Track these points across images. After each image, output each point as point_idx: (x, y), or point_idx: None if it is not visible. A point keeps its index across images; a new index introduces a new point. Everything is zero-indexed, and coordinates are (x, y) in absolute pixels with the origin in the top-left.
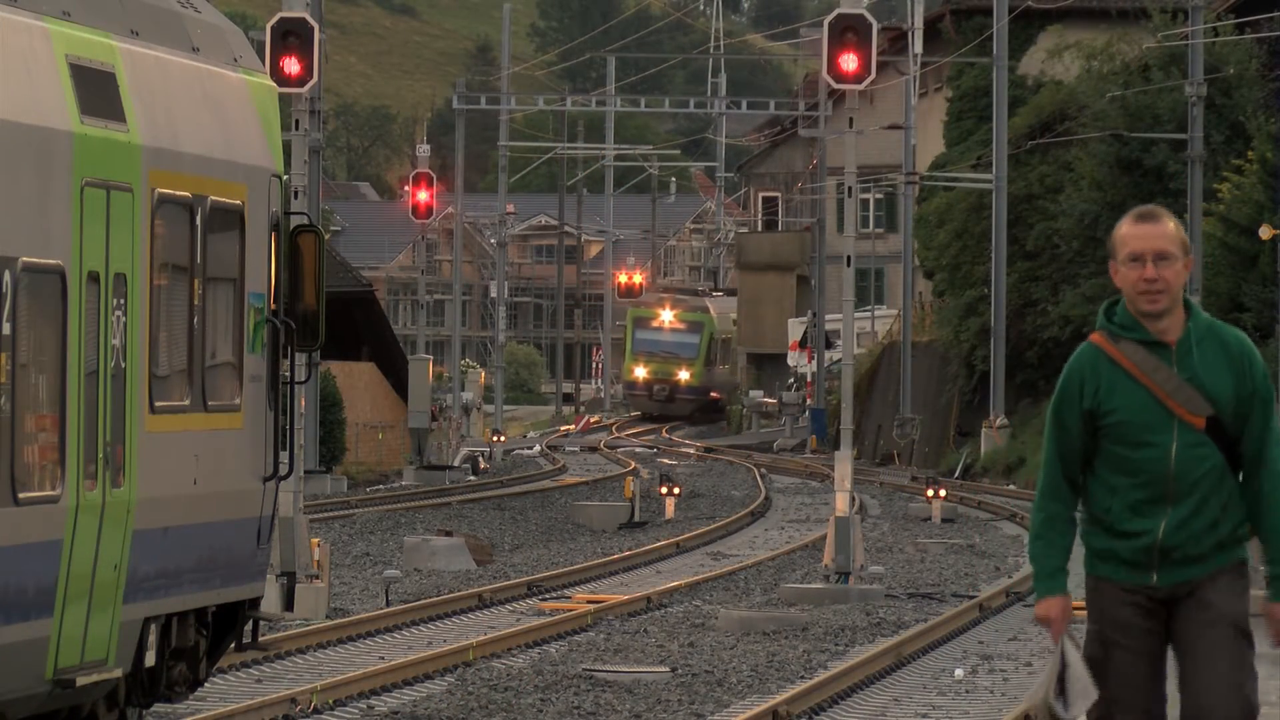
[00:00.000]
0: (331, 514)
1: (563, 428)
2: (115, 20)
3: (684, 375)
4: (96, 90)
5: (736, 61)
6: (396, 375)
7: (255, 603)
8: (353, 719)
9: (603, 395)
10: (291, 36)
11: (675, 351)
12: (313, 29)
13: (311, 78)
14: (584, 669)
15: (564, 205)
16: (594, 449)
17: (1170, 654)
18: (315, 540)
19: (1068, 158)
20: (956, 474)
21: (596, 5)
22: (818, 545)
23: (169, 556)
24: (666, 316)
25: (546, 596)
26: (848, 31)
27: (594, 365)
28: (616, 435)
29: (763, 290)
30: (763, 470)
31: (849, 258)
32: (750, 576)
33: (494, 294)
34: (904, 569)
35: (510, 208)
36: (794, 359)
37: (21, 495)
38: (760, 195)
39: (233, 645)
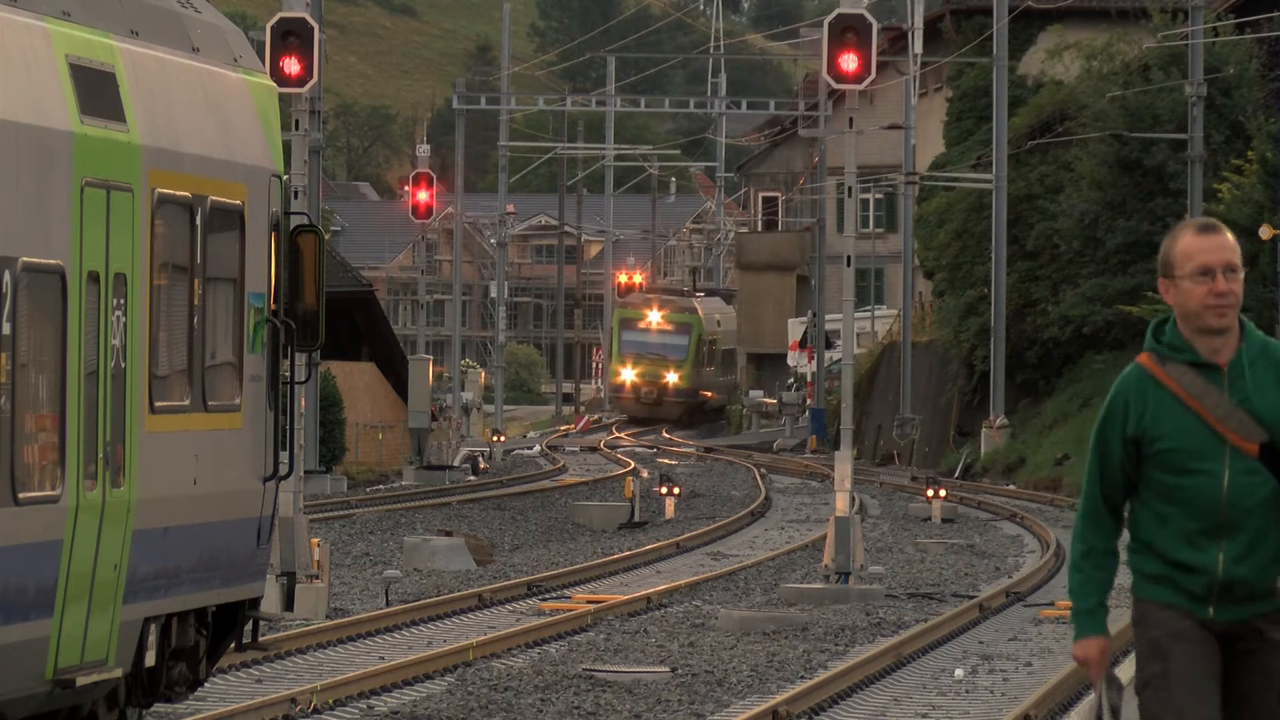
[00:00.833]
0: (331, 514)
1: (562, 427)
2: (115, 20)
3: (673, 377)
4: (96, 90)
5: (736, 61)
6: (396, 375)
7: (255, 603)
8: (353, 719)
9: (603, 395)
10: (291, 36)
11: (663, 353)
12: (313, 29)
13: (311, 78)
14: (584, 669)
15: (564, 205)
16: (594, 449)
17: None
18: (315, 540)
19: (1068, 158)
20: (956, 474)
21: (596, 5)
22: (818, 545)
23: (169, 556)
24: (654, 317)
25: (546, 596)
26: (848, 31)
27: (594, 365)
28: (616, 435)
29: (763, 290)
30: (763, 470)
31: (849, 258)
32: (750, 576)
33: (494, 294)
34: (904, 569)
35: (510, 208)
36: (794, 359)
37: (21, 495)
38: (760, 195)
39: (233, 645)
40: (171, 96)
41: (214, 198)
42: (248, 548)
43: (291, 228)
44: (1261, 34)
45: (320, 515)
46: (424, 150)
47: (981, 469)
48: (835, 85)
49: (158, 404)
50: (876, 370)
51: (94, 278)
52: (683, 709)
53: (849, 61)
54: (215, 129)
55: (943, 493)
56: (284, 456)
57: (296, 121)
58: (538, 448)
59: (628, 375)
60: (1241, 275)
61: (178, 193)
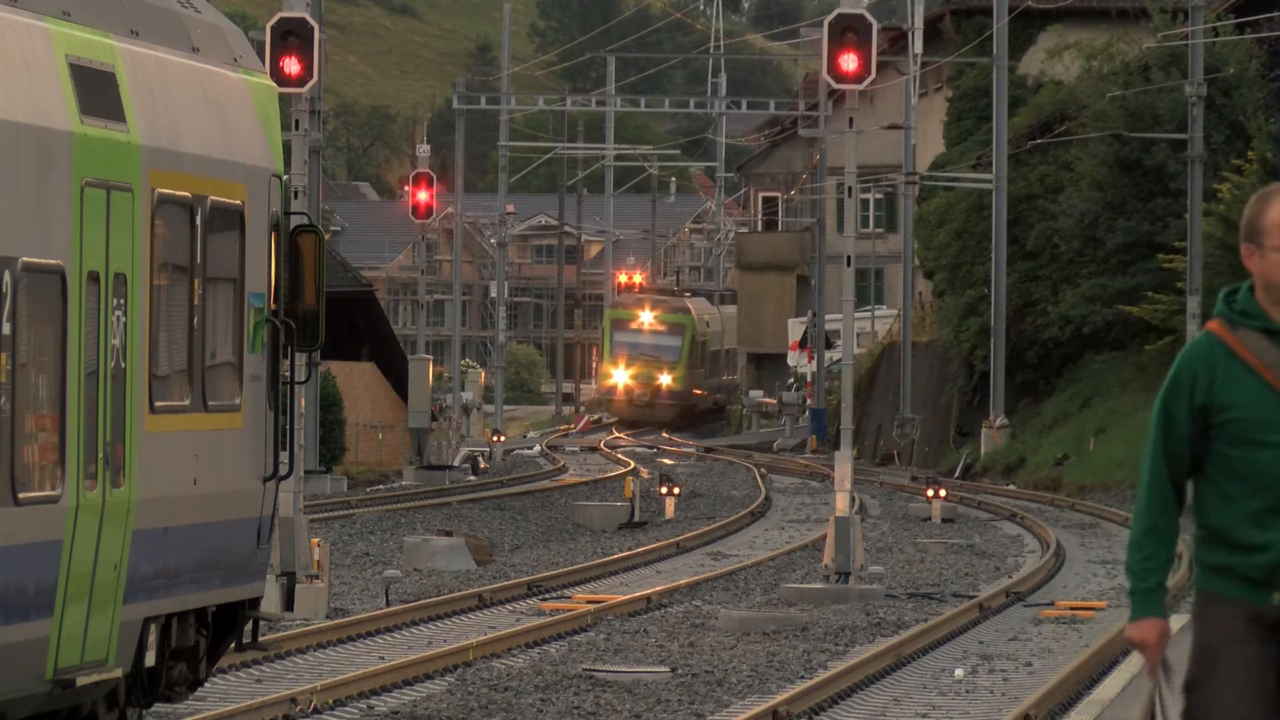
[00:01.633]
0: (331, 514)
1: (562, 427)
2: (115, 20)
3: (666, 379)
4: (96, 90)
5: (736, 61)
6: (396, 375)
7: (255, 603)
8: (353, 719)
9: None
10: (291, 36)
11: (656, 354)
12: (313, 29)
13: (311, 78)
14: (584, 669)
15: (564, 205)
16: (594, 449)
17: None
18: (315, 540)
19: (1068, 158)
20: (956, 474)
21: (596, 5)
22: (818, 545)
23: (169, 556)
24: (646, 318)
25: (546, 596)
26: (848, 31)
27: (593, 366)
28: (616, 435)
29: (763, 290)
30: (763, 470)
31: (849, 258)
32: (750, 576)
33: (494, 294)
34: (904, 569)
35: (510, 208)
36: (794, 359)
37: (21, 495)
38: (760, 195)
39: (233, 645)
40: (171, 96)
41: (214, 198)
42: (248, 548)
43: (291, 228)
44: (1261, 34)
45: (320, 515)
46: (424, 150)
47: (981, 469)
48: (835, 85)
49: (158, 404)
50: (876, 370)
51: (94, 278)
52: (683, 709)
53: (849, 61)
54: (215, 129)
55: (943, 493)
56: (284, 456)
57: (296, 121)
58: (538, 448)
59: (620, 377)
60: None
61: (178, 193)
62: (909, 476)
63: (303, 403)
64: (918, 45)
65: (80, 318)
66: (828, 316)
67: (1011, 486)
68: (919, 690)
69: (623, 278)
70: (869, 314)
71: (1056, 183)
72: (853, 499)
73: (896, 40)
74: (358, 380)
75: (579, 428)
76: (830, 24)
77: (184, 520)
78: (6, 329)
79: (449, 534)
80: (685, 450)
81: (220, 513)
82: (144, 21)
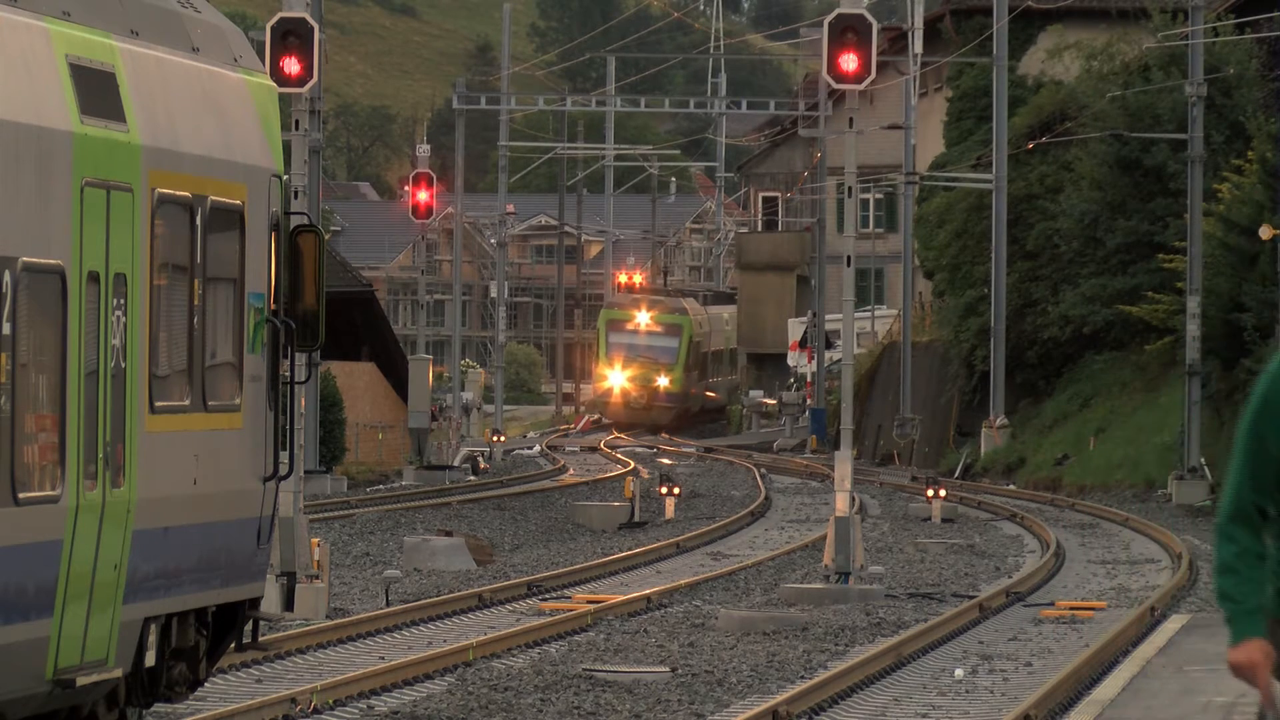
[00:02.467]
0: (331, 514)
1: (563, 427)
2: (115, 20)
3: (663, 381)
4: (96, 90)
5: (736, 61)
6: (396, 375)
7: (255, 603)
8: (353, 719)
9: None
10: (291, 36)
11: (653, 356)
12: (313, 29)
13: (311, 78)
14: (584, 669)
15: (564, 205)
16: (594, 449)
17: None
18: (315, 540)
19: (1068, 158)
20: (956, 474)
21: (596, 5)
22: (818, 545)
23: (169, 556)
24: (643, 319)
25: (546, 596)
26: (848, 31)
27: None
28: (616, 435)
29: (763, 290)
30: (763, 470)
31: (849, 258)
32: (750, 576)
33: (494, 294)
34: (904, 569)
35: (510, 208)
36: (794, 359)
37: (21, 495)
38: (760, 195)
39: (233, 645)
40: (171, 96)
41: (214, 198)
42: (248, 548)
43: (291, 228)
44: (1261, 34)
45: (320, 515)
46: (424, 150)
47: (981, 469)
48: (835, 85)
49: (158, 404)
50: (876, 370)
51: (94, 278)
52: (683, 709)
53: (849, 61)
54: (215, 129)
55: (943, 493)
56: (284, 456)
57: (296, 121)
58: (538, 448)
59: (616, 379)
60: None
61: (178, 193)
62: (909, 476)
63: (303, 403)
64: (918, 45)
65: (80, 318)
66: (828, 316)
67: (1011, 486)
68: (919, 690)
69: (622, 278)
70: (869, 314)
71: (1056, 183)
72: (853, 499)
73: (896, 40)
74: (358, 380)
75: (579, 427)
76: (830, 24)
77: (184, 520)
78: (6, 329)
79: (449, 534)
80: (685, 450)
81: (220, 513)
82: (144, 21)
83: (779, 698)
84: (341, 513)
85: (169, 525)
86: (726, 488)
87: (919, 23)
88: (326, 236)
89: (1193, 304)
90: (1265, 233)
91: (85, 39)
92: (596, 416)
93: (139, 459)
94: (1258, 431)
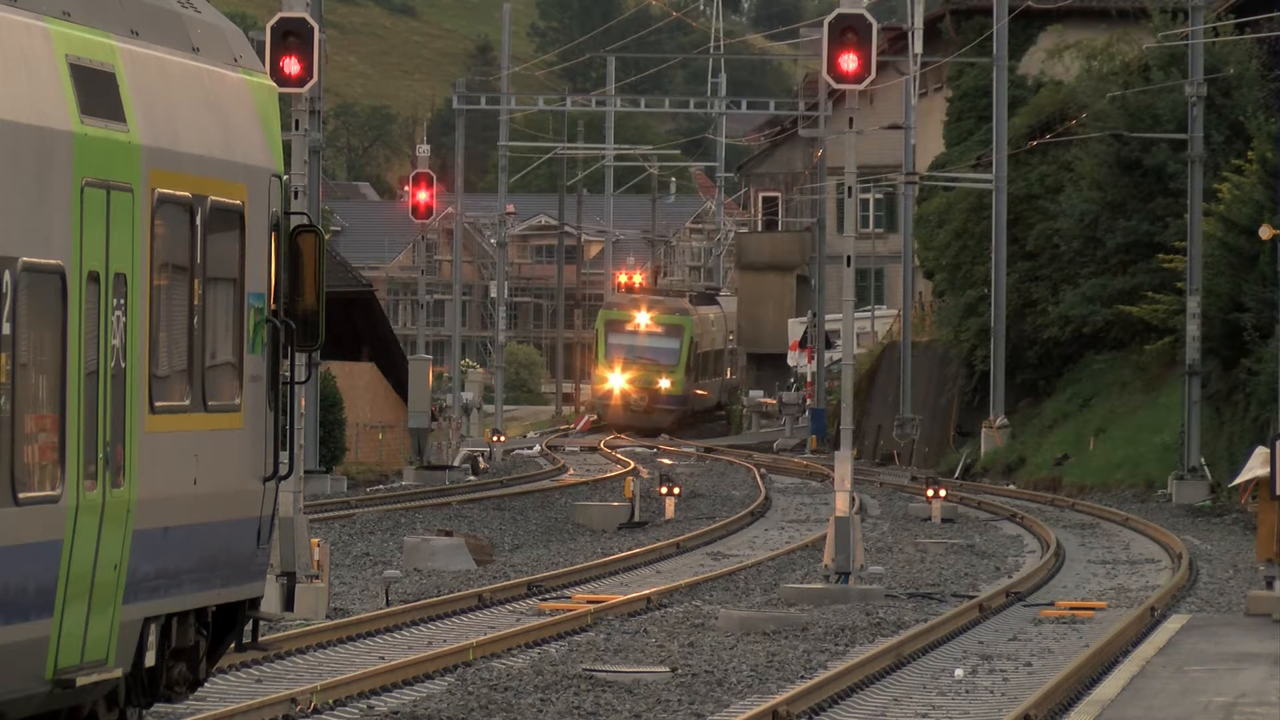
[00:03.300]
0: (331, 514)
1: (563, 426)
2: (115, 20)
3: (664, 383)
4: (96, 90)
5: (736, 61)
6: (396, 375)
7: (255, 603)
8: (353, 719)
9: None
10: (291, 36)
11: (654, 357)
12: (313, 29)
13: (311, 78)
14: (584, 669)
15: (564, 205)
16: (594, 449)
17: None
18: (315, 540)
19: (1068, 158)
20: (956, 474)
21: (597, 5)
22: (818, 545)
23: (169, 556)
24: (643, 319)
25: (546, 596)
26: (848, 31)
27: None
28: (616, 435)
29: (763, 290)
30: (763, 470)
31: (849, 258)
32: (750, 576)
33: (494, 294)
34: (904, 569)
35: (510, 208)
36: (794, 359)
37: (21, 495)
38: (760, 195)
39: (233, 645)
40: (171, 96)
41: (214, 198)
42: (248, 548)
43: (291, 228)
44: (1261, 34)
45: (320, 515)
46: (424, 150)
47: (981, 469)
48: (835, 85)
49: (158, 404)
50: (876, 370)
51: (94, 278)
52: (683, 709)
53: (849, 61)
54: (215, 129)
55: (943, 493)
56: (284, 456)
57: (296, 121)
58: (538, 448)
59: (616, 382)
60: None
61: (178, 193)
62: (909, 476)
63: (303, 403)
64: (918, 45)
65: (80, 318)
66: (828, 316)
67: (1011, 486)
68: (919, 690)
69: (622, 278)
70: (869, 314)
71: (1056, 183)
72: (853, 499)
73: (896, 40)
74: (358, 380)
75: (579, 427)
76: (830, 24)
77: (184, 520)
78: (6, 329)
79: (449, 534)
80: (685, 450)
81: (220, 513)
82: (144, 21)
83: (779, 698)
84: (341, 513)
85: (169, 525)
86: (726, 488)
87: (919, 23)
88: (326, 236)
89: (1193, 304)
90: (1265, 233)
91: (85, 39)
92: (596, 417)
93: (139, 459)
94: None
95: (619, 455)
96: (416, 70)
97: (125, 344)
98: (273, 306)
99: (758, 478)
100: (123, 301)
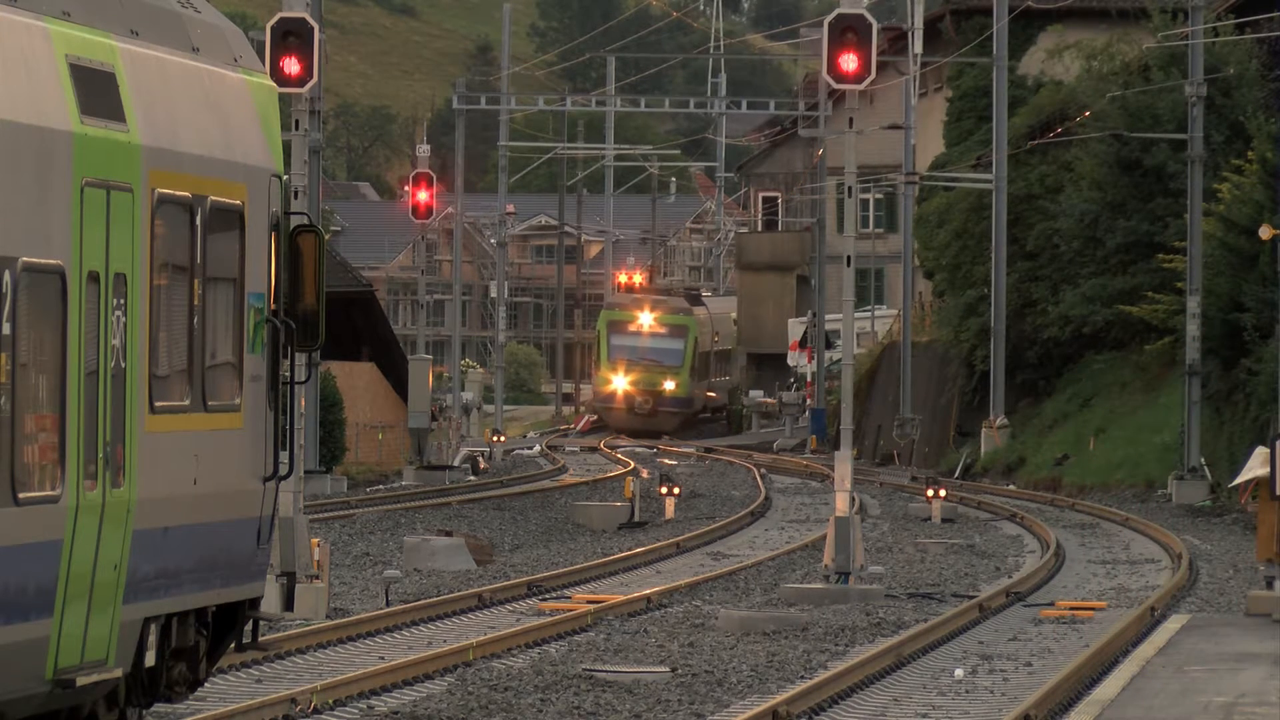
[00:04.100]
0: (331, 514)
1: (563, 426)
2: (115, 20)
3: (669, 385)
4: (96, 90)
5: (736, 61)
6: (396, 375)
7: (255, 603)
8: (353, 719)
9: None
10: (291, 36)
11: (657, 359)
12: (313, 29)
13: (311, 78)
14: (584, 669)
15: (564, 205)
16: (594, 449)
17: None
18: (315, 540)
19: (1068, 158)
20: (956, 474)
21: (597, 5)
22: (818, 545)
23: (169, 556)
24: (646, 320)
25: (546, 596)
26: (848, 31)
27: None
28: (616, 435)
29: (763, 290)
30: (763, 470)
31: (849, 258)
32: (750, 576)
33: (494, 294)
34: (904, 569)
35: (510, 208)
36: (794, 359)
37: (21, 495)
38: (760, 195)
39: (233, 645)
40: (171, 96)
41: (214, 198)
42: (248, 548)
43: (291, 228)
44: (1261, 34)
45: (320, 515)
46: (424, 150)
47: (981, 469)
48: (835, 85)
49: (158, 404)
50: (876, 370)
51: (94, 278)
52: (683, 709)
53: (849, 61)
54: (215, 129)
55: (943, 493)
56: (284, 456)
57: (296, 121)
58: (538, 448)
59: (619, 384)
60: None
61: (178, 193)
62: (909, 476)
63: (303, 403)
64: (918, 45)
65: (80, 318)
66: (828, 316)
67: (1011, 486)
68: (919, 690)
69: (622, 278)
70: (869, 314)
71: (1056, 183)
72: (853, 499)
73: (896, 40)
74: (358, 380)
75: (579, 428)
76: (830, 24)
77: (184, 520)
78: (6, 329)
79: (449, 534)
80: (685, 450)
81: (220, 513)
82: (144, 21)
83: (779, 698)
84: (341, 513)
85: (169, 525)
86: (726, 488)
87: (919, 23)
88: (326, 236)
89: (1193, 304)
90: (1265, 233)
91: (85, 39)
92: (596, 417)
93: (139, 459)
94: None
95: (619, 455)
96: (416, 70)
97: (125, 344)
98: (273, 306)
99: (758, 478)
100: (123, 301)
